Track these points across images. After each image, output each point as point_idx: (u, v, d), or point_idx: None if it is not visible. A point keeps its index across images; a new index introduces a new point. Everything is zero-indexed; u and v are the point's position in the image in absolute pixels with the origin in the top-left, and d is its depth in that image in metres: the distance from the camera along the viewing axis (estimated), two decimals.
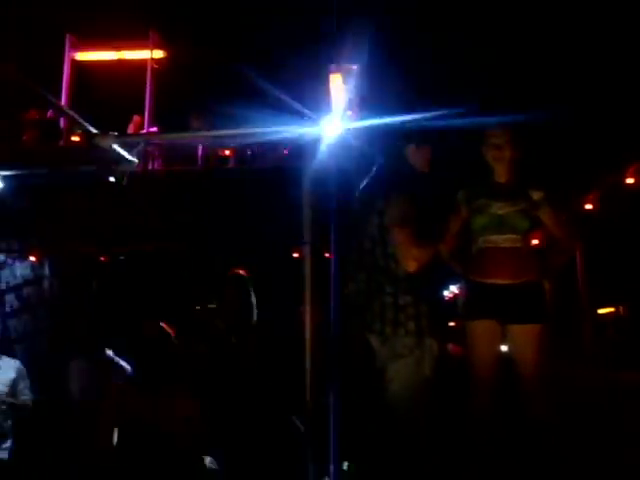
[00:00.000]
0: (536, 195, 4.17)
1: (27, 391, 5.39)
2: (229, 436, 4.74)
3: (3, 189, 6.26)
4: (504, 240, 4.14)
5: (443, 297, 4.77)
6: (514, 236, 4.14)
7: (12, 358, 5.53)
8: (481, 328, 4.11)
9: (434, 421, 3.77)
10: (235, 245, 7.58)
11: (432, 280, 3.89)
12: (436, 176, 4.11)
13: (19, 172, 6.12)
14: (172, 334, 4.67)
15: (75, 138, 6.99)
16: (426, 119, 3.97)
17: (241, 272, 5.31)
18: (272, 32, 8.36)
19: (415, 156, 4.07)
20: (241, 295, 5.03)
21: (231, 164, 8.93)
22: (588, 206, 7.31)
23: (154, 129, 9.08)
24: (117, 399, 4.15)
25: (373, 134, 4.35)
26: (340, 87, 4.67)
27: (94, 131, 5.25)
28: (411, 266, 3.76)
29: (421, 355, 3.74)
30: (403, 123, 4.03)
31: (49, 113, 9.00)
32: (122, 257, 8.92)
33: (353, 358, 4.20)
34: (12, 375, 5.21)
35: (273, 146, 8.19)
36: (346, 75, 4.73)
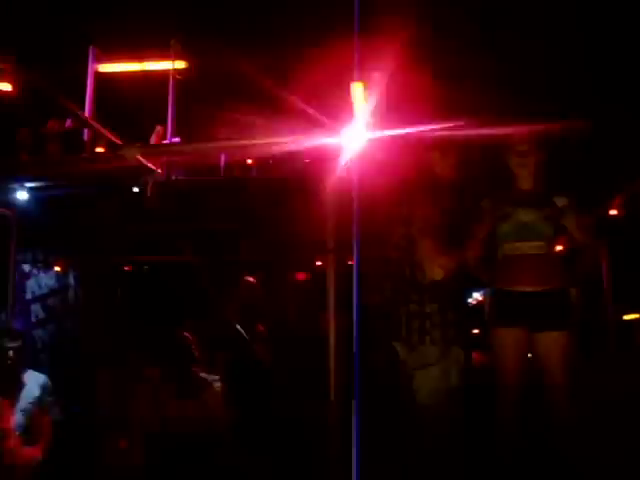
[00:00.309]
0: (561, 201, 4.15)
1: (54, 408, 5.36)
2: (254, 438, 4.76)
3: (28, 200, 6.32)
4: (529, 247, 4.12)
5: (468, 304, 4.76)
6: (539, 243, 4.13)
7: (39, 373, 5.50)
8: (507, 336, 4.09)
9: (461, 430, 3.75)
10: (258, 254, 7.60)
11: (458, 288, 3.88)
12: (461, 183, 4.11)
13: (43, 183, 6.17)
14: (194, 343, 4.69)
15: (99, 149, 7.03)
16: (450, 127, 3.96)
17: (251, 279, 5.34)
18: (294, 40, 8.38)
19: (440, 163, 4.07)
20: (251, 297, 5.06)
21: (253, 173, 8.94)
22: (613, 212, 7.25)
23: (177, 139, 9.11)
24: (148, 405, 4.17)
25: (396, 142, 4.34)
26: (362, 95, 4.66)
27: (118, 142, 5.30)
28: (437, 274, 3.76)
29: (448, 364, 3.73)
30: (426, 131, 4.03)
31: (67, 123, 9.07)
32: (146, 267, 8.96)
33: (378, 365, 4.20)
34: (37, 392, 5.20)
35: (295, 155, 8.20)
36: (369, 83, 4.72)
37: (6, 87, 4.48)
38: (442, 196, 3.94)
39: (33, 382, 5.23)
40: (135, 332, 6.44)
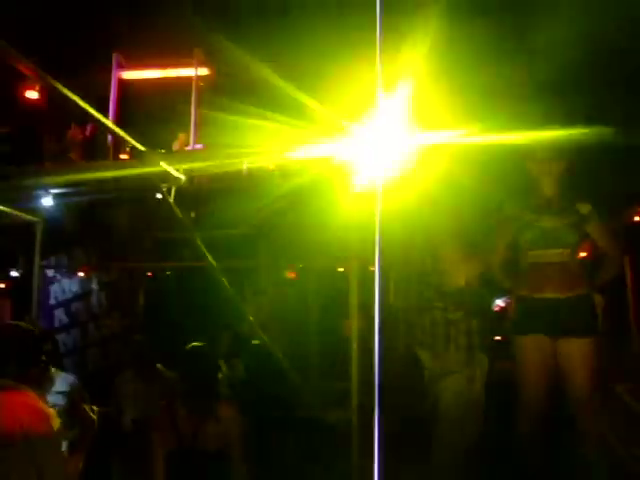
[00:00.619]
0: (584, 208, 4.13)
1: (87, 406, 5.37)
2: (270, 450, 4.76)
3: (53, 206, 6.38)
4: (552, 254, 4.11)
5: (492, 311, 4.75)
6: (562, 250, 4.11)
7: (68, 373, 5.53)
8: (531, 343, 4.08)
9: (484, 436, 3.75)
10: (281, 259, 7.62)
11: (482, 295, 3.88)
12: (483, 190, 4.10)
13: (68, 190, 6.23)
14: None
15: (124, 156, 7.09)
16: (471, 134, 3.97)
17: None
18: (316, 48, 8.41)
19: (463, 170, 4.07)
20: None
21: (276, 179, 8.98)
22: (637, 218, 7.21)
23: (199, 146, 9.17)
24: (166, 416, 4.17)
25: (419, 148, 4.35)
26: (385, 101, 4.66)
27: (142, 149, 5.34)
28: (460, 280, 3.76)
29: (472, 371, 3.72)
30: (449, 138, 4.03)
31: (88, 130, 9.16)
32: (168, 272, 9.02)
33: (400, 371, 4.20)
34: (67, 389, 5.22)
35: (317, 161, 8.22)
36: (394, 90, 4.72)
37: (33, 95, 4.52)
38: (463, 201, 3.94)
39: (63, 381, 5.26)
40: (154, 340, 6.45)
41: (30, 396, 3.15)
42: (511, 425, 4.09)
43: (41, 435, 3.00)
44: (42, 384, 4.46)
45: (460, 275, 3.78)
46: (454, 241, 3.78)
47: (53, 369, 5.06)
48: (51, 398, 4.78)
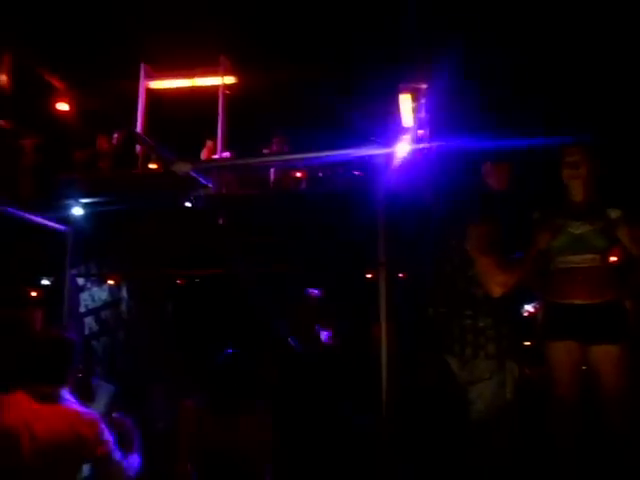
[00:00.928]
0: (614, 213, 4.09)
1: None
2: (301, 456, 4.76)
3: (83, 215, 6.47)
4: (582, 260, 4.07)
5: (521, 317, 4.71)
6: (592, 255, 4.07)
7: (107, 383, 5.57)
8: (561, 349, 4.05)
9: (516, 445, 3.72)
10: (309, 267, 7.63)
11: (512, 301, 3.84)
12: (514, 195, 4.07)
13: (98, 199, 6.31)
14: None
15: (153, 165, 7.16)
16: (501, 137, 3.95)
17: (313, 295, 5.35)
18: (340, 55, 8.44)
19: (492, 174, 4.03)
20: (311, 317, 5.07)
21: (303, 186, 9.01)
22: None
23: (227, 154, 9.23)
24: (193, 422, 4.20)
25: (447, 153, 4.34)
26: (410, 106, 4.66)
27: (170, 158, 5.39)
28: (496, 292, 3.72)
29: (502, 378, 3.69)
30: (477, 141, 4.02)
31: (115, 139, 9.25)
32: (198, 280, 9.06)
33: (428, 379, 4.19)
34: (107, 398, 5.27)
35: (345, 168, 8.24)
36: (416, 94, 4.72)
37: (63, 107, 4.57)
38: (496, 208, 3.89)
39: (104, 392, 5.31)
40: (183, 349, 6.50)
41: (75, 404, 3.21)
42: (543, 429, 4.07)
43: (89, 440, 3.06)
44: (84, 393, 4.51)
45: (496, 286, 3.73)
46: (488, 250, 3.73)
47: (92, 378, 5.13)
48: (92, 406, 4.84)
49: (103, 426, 3.21)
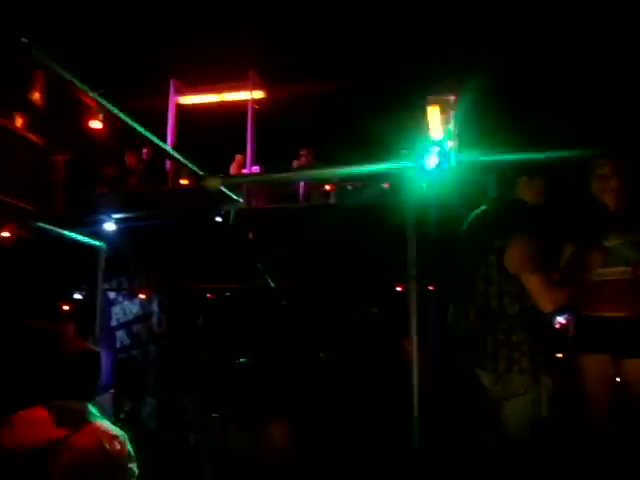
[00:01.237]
0: None
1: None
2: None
3: (115, 230, 6.53)
4: (612, 272, 4.02)
5: (554, 330, 4.66)
6: (624, 268, 4.02)
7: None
8: (594, 363, 4.01)
9: (552, 460, 3.68)
10: (340, 280, 7.63)
11: (546, 314, 3.79)
12: (550, 209, 4.04)
13: (131, 215, 6.37)
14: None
15: (183, 181, 7.21)
16: (534, 151, 3.92)
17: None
18: (368, 67, 8.46)
19: (527, 189, 4.00)
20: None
21: (332, 200, 9.03)
22: None
23: (256, 168, 9.29)
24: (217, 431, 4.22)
25: (479, 166, 4.32)
26: (439, 119, 4.64)
27: (201, 173, 5.43)
28: (549, 309, 3.69)
29: (538, 395, 3.65)
30: (509, 155, 3.99)
31: (145, 154, 9.34)
32: (228, 294, 9.10)
33: (461, 393, 4.16)
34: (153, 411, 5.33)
35: (374, 181, 8.24)
36: (445, 106, 4.70)
37: (96, 125, 4.61)
38: (533, 223, 3.85)
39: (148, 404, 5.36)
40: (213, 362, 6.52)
41: (103, 421, 3.21)
42: (578, 443, 4.02)
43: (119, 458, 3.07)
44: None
45: (549, 304, 3.70)
46: (536, 267, 3.69)
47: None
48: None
49: (128, 442, 3.19)
